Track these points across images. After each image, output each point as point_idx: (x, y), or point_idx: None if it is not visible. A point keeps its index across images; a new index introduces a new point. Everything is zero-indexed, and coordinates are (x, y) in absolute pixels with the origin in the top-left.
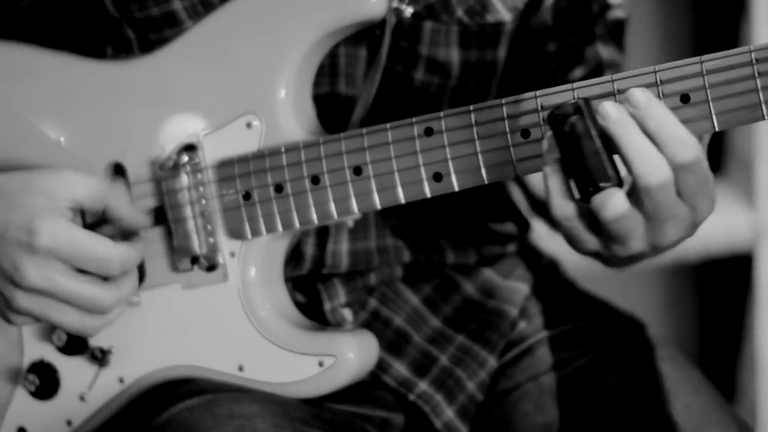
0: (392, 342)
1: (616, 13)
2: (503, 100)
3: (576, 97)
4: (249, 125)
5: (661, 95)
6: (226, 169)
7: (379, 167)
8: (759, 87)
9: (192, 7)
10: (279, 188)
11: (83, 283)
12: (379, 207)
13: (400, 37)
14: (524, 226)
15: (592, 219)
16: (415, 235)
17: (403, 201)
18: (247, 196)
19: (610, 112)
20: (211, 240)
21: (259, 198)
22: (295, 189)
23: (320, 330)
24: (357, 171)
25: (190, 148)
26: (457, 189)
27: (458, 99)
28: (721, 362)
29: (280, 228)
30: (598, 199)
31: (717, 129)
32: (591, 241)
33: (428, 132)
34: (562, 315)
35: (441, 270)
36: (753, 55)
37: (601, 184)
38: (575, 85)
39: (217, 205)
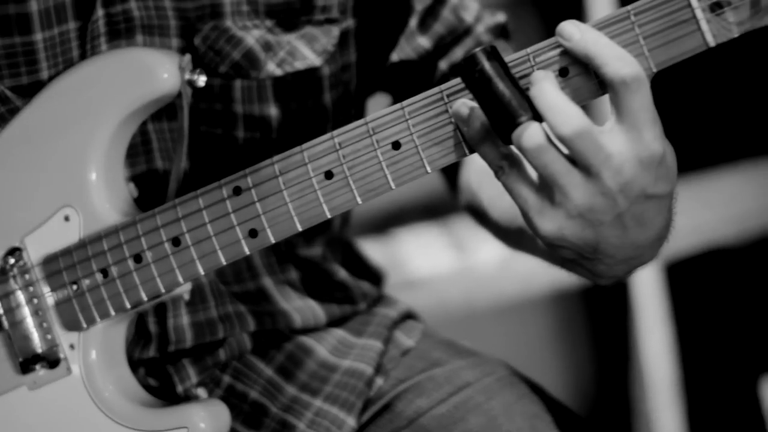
0: (249, 416)
1: (496, 19)
2: (303, 146)
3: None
4: (67, 218)
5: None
6: (52, 264)
7: (197, 234)
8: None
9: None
10: (105, 273)
11: None
12: (202, 273)
13: (214, 100)
14: (377, 282)
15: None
16: (255, 301)
17: (224, 263)
18: (76, 287)
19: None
20: (49, 336)
21: (87, 287)
22: (120, 271)
23: (169, 406)
24: (176, 242)
25: (14, 250)
26: (273, 241)
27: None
28: (615, 382)
29: (112, 312)
30: (516, 134)
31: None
32: (531, 199)
33: (237, 191)
34: (417, 365)
35: (291, 336)
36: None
37: (518, 120)
38: (368, 118)
39: (49, 302)
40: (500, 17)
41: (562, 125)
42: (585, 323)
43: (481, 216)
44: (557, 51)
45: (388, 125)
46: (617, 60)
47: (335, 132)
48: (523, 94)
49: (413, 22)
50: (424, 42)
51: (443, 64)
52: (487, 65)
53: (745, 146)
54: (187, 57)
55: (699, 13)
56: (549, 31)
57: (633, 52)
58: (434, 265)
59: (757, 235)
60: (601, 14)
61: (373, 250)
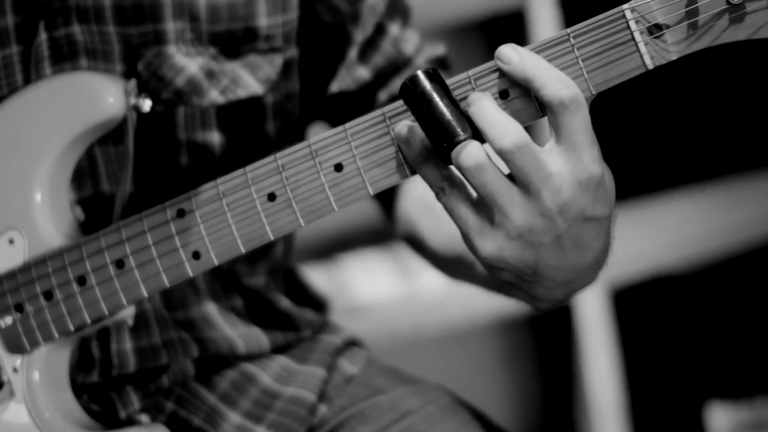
0: None
1: (436, 51)
2: (246, 168)
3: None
4: (11, 241)
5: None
6: None
7: (140, 257)
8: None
9: None
10: (49, 296)
11: None
12: (146, 296)
13: (158, 125)
14: (321, 309)
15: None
16: (199, 327)
17: (168, 285)
18: (20, 310)
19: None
20: None
21: (31, 309)
22: (64, 294)
23: (111, 431)
24: (120, 264)
25: None
26: (217, 263)
27: None
28: (561, 408)
29: (56, 335)
30: (455, 152)
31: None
32: (471, 220)
33: (180, 213)
34: (361, 392)
35: (234, 363)
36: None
37: (457, 139)
38: (311, 139)
39: None
40: (440, 49)
41: (501, 138)
42: (531, 349)
43: (419, 246)
44: (497, 74)
45: (331, 147)
46: (555, 82)
47: (278, 154)
48: (463, 114)
49: (353, 53)
50: (364, 73)
51: (383, 95)
52: (428, 86)
53: (691, 172)
54: (133, 82)
55: (637, 36)
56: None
57: (572, 74)
58: (379, 291)
59: (702, 262)
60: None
61: (317, 276)
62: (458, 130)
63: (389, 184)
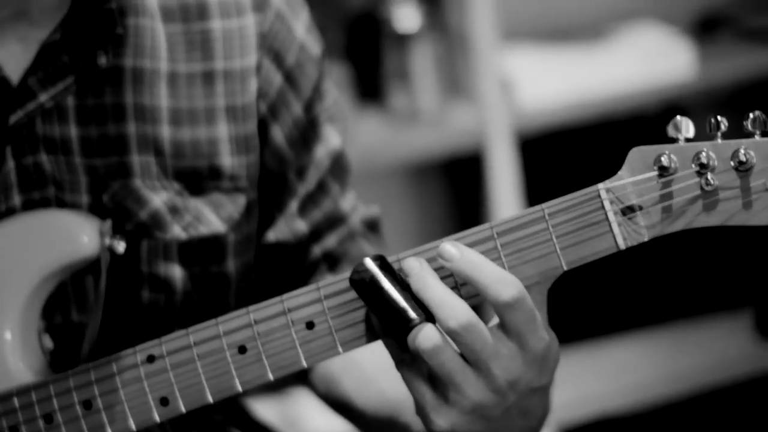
0: None
1: (370, 211)
2: (218, 319)
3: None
4: None
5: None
6: None
7: (108, 399)
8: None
9: None
10: (15, 431)
11: None
12: None
13: (121, 257)
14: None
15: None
16: None
17: (134, 429)
18: None
19: (412, 266)
20: None
21: None
22: (29, 430)
23: None
24: (87, 405)
25: None
26: (184, 411)
27: (193, 314)
28: None
29: None
30: (410, 337)
31: None
32: (428, 395)
33: (150, 359)
34: None
35: None
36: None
37: (411, 324)
38: (285, 296)
39: None
40: (374, 210)
41: (449, 319)
42: None
43: (342, 406)
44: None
45: (304, 305)
46: (497, 283)
47: (251, 307)
48: (415, 297)
49: (294, 205)
50: (302, 226)
51: (317, 250)
52: (377, 273)
53: (639, 316)
54: (108, 222)
55: (611, 216)
56: (457, 200)
57: (545, 249)
58: (332, 424)
59: (648, 405)
60: (503, 188)
61: (268, 410)
62: (411, 314)
63: (359, 344)
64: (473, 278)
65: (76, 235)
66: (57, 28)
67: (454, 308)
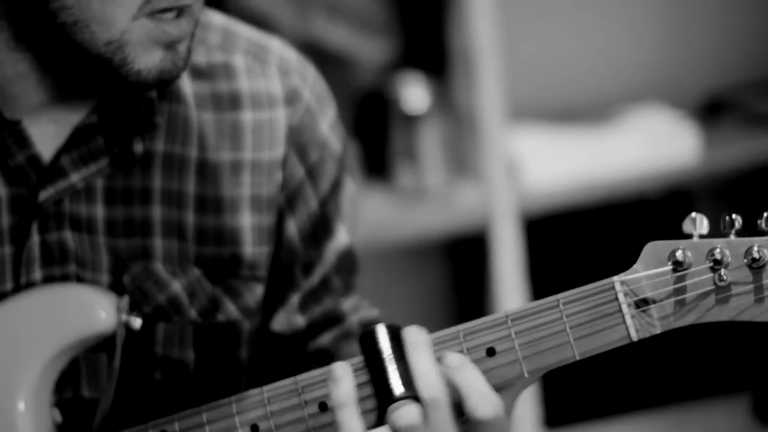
0: None
1: (370, 313)
2: (233, 397)
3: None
4: None
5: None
6: None
7: None
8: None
9: None
10: None
11: None
12: None
13: (137, 338)
14: None
15: None
16: None
17: None
18: None
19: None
20: None
21: None
22: None
23: None
24: None
25: None
26: None
27: (204, 394)
28: None
29: None
30: (392, 408)
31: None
32: None
33: None
34: None
35: None
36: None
37: (393, 397)
38: (299, 376)
39: None
40: (374, 312)
41: (429, 389)
42: None
43: None
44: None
45: (317, 386)
46: (477, 397)
47: (265, 387)
48: (409, 373)
49: (295, 299)
50: (301, 321)
51: (311, 346)
52: (382, 341)
53: (636, 398)
54: (125, 299)
55: (625, 308)
56: (460, 279)
57: (559, 339)
58: None
59: None
60: (507, 268)
61: None
62: (396, 388)
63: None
64: (457, 384)
65: (94, 310)
66: (92, 111)
67: (434, 382)
